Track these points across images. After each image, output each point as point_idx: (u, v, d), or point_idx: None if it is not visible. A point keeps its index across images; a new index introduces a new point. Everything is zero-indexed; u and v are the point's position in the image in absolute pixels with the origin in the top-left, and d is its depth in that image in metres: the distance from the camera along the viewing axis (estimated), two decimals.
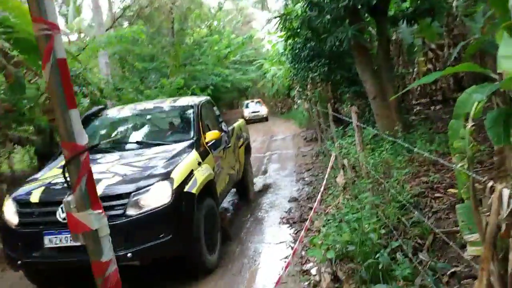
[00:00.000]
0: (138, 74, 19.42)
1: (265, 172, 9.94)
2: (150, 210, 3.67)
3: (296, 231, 5.56)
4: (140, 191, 3.73)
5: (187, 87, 17.53)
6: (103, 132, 5.74)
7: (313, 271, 4.22)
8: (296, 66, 10.90)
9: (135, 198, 3.69)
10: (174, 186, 3.86)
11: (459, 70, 4.78)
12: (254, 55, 29.83)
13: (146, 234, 3.68)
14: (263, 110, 26.40)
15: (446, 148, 6.00)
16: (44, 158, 10.72)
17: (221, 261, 4.91)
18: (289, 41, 10.37)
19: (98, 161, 4.38)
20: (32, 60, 7.53)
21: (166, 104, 6.09)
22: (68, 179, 1.23)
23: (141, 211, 3.66)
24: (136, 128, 5.73)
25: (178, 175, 3.97)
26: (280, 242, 5.26)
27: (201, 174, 4.38)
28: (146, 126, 5.85)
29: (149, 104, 6.32)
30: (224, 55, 22.89)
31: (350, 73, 9.64)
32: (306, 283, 4.03)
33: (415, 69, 12.23)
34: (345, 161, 5.17)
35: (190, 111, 5.51)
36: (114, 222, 3.45)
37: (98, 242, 1.27)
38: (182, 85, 16.67)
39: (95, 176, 3.65)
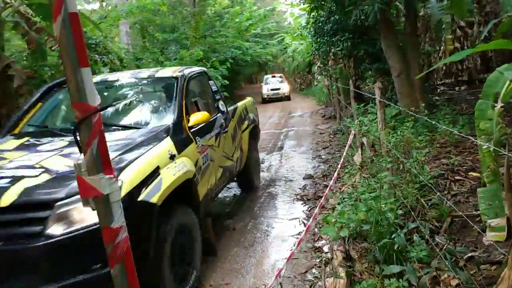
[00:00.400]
0: (159, 45, 19.34)
1: (281, 148, 9.90)
2: (81, 229, 2.42)
3: (309, 208, 5.54)
4: (69, 199, 2.44)
5: (206, 59, 17.42)
6: (64, 107, 4.45)
7: (325, 249, 4.22)
8: (319, 40, 10.62)
9: (60, 211, 2.42)
10: (122, 193, 2.50)
11: (492, 47, 4.56)
12: (276, 28, 29.25)
13: (74, 263, 2.43)
14: (284, 88, 23.56)
15: (469, 130, 5.82)
16: None
17: (234, 234, 4.94)
18: (313, 13, 10.08)
19: (39, 147, 3.29)
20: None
21: (144, 75, 4.80)
22: (78, 141, 1.19)
23: (68, 230, 2.40)
24: (101, 105, 4.51)
25: (130, 176, 2.71)
26: (293, 218, 5.26)
27: (172, 174, 3.15)
28: (115, 103, 4.37)
29: (124, 75, 5.03)
30: (245, 27, 22.51)
31: (374, 48, 9.34)
32: (318, 260, 4.03)
33: (442, 47, 11.79)
34: (364, 140, 5.06)
35: (173, 85, 4.28)
36: (28, 245, 2.35)
37: (109, 207, 1.24)
38: (201, 56, 16.56)
39: (17, 172, 2.70)
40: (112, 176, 1.23)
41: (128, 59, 12.14)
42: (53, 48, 7.75)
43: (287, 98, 23.22)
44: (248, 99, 6.73)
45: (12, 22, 7.07)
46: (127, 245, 1.27)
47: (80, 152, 1.21)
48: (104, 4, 18.92)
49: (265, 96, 23.36)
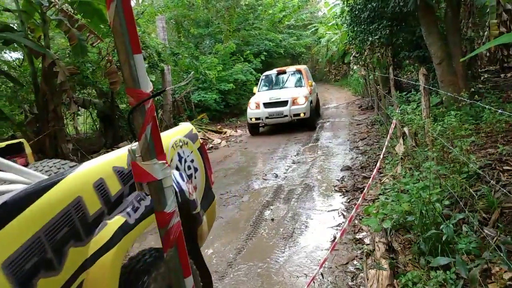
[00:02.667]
0: (193, 39, 19.58)
1: (316, 140, 9.80)
2: None
3: (348, 200, 5.46)
4: None
5: (239, 52, 17.46)
6: None
7: (366, 240, 4.14)
8: (355, 29, 10.37)
9: None
10: None
11: None
12: (310, 19, 28.86)
13: None
14: (301, 98, 11.07)
15: None
16: (105, 121, 11.30)
17: (273, 225, 4.96)
18: (349, 2, 9.85)
19: None
20: (95, 24, 7.79)
21: None
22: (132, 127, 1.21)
23: None
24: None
25: None
26: (332, 210, 5.20)
27: None
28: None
29: None
30: (278, 19, 22.37)
31: (413, 36, 9.02)
32: (359, 251, 3.97)
33: (486, 33, 11.19)
34: (406, 129, 4.90)
35: None
36: None
37: (163, 192, 1.26)
38: (234, 49, 16.61)
39: None
40: (165, 161, 1.25)
41: (165, 54, 12.34)
42: (94, 44, 8.02)
43: (308, 122, 11.14)
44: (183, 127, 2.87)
45: (56, 20, 7.35)
46: (179, 230, 1.29)
47: (134, 138, 1.24)
48: (140, 0, 19.31)
49: (254, 120, 11.41)
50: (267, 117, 11.11)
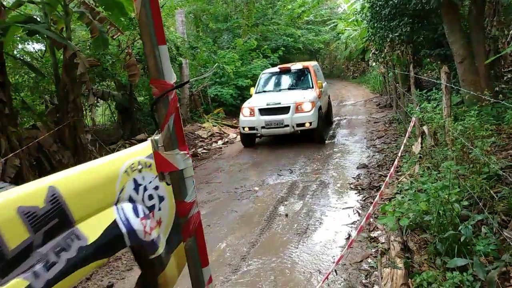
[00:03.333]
0: (212, 34, 19.63)
1: (333, 137, 9.74)
2: None
3: (364, 198, 5.43)
4: None
5: (258, 48, 17.43)
6: None
7: (382, 239, 4.12)
8: (375, 25, 10.21)
9: None
10: None
11: None
12: (329, 14, 28.60)
13: None
14: (307, 105, 8.89)
15: None
16: (123, 113, 11.46)
17: (287, 219, 4.96)
18: None
19: None
20: (115, 16, 7.88)
21: None
22: (156, 117, 1.24)
23: None
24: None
25: None
26: (348, 207, 5.18)
27: None
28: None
29: None
30: (297, 14, 22.23)
31: (435, 33, 8.85)
32: (374, 250, 3.95)
33: (511, 32, 10.93)
34: (425, 128, 4.83)
35: None
36: None
37: (184, 182, 1.29)
38: (255, 45, 16.57)
39: None
40: (186, 152, 1.27)
41: (184, 48, 12.41)
42: (114, 37, 8.11)
43: (314, 135, 9.12)
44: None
45: (78, 12, 7.45)
46: (199, 220, 1.31)
47: (157, 128, 1.26)
48: None
49: (247, 130, 9.37)
50: (263, 127, 8.93)
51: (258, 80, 11.07)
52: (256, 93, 10.41)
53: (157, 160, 1.26)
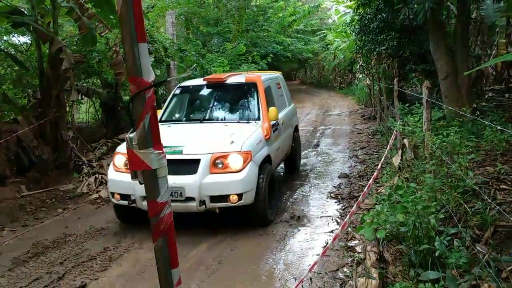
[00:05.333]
0: (202, 37, 19.60)
1: (317, 145, 9.80)
2: None
3: (344, 207, 5.47)
4: None
5: (247, 53, 17.48)
6: None
7: (358, 249, 4.15)
8: (363, 38, 10.37)
9: None
10: None
11: None
12: (319, 25, 28.89)
13: None
14: (235, 158, 4.67)
15: None
16: (108, 111, 11.32)
17: (266, 227, 4.95)
18: (359, 10, 9.87)
19: None
20: (104, 14, 7.81)
21: None
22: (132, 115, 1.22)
23: None
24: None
25: None
26: (327, 216, 5.21)
27: None
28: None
29: None
30: (288, 23, 22.39)
31: (421, 49, 9.02)
32: (350, 259, 3.98)
33: (494, 52, 11.22)
34: (406, 141, 4.92)
35: None
36: None
37: (156, 182, 1.28)
38: (244, 51, 16.61)
39: None
40: (161, 151, 1.26)
41: (172, 49, 12.35)
42: (102, 34, 8.04)
43: (252, 215, 4.90)
44: None
45: (66, 7, 7.37)
46: (170, 220, 1.31)
47: (132, 126, 1.25)
48: None
49: (118, 199, 4.88)
50: (144, 197, 3.46)
51: (168, 99, 6.68)
52: (160, 121, 5.48)
53: (131, 158, 1.25)
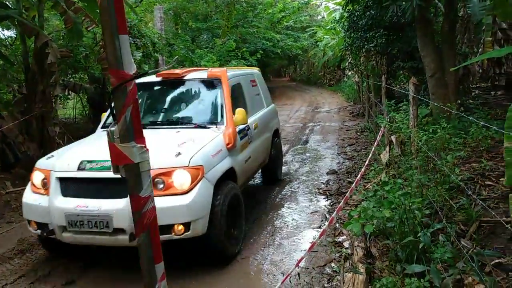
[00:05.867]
0: (191, 32, 19.48)
1: (306, 142, 9.82)
2: None
3: (332, 203, 5.50)
4: None
5: (237, 49, 17.43)
6: None
7: (346, 244, 4.18)
8: (352, 35, 10.42)
9: None
10: None
11: None
12: (308, 21, 28.92)
13: None
14: (181, 175, 3.54)
15: (503, 136, 5.60)
16: (95, 107, 11.19)
17: (256, 223, 4.96)
18: (348, 7, 9.90)
19: None
20: (91, 8, 7.69)
21: None
22: (113, 108, 1.20)
23: None
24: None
25: None
26: (315, 212, 5.24)
27: None
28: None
29: None
30: (277, 19, 22.38)
31: (409, 47, 9.10)
32: (337, 254, 4.00)
33: (480, 50, 11.36)
34: (393, 138, 4.95)
35: None
36: None
37: (139, 176, 1.26)
38: (233, 47, 16.56)
39: None
40: (143, 145, 1.25)
41: (160, 44, 12.26)
42: (89, 29, 7.93)
43: (206, 248, 3.83)
44: None
45: (52, 1, 7.25)
46: (153, 215, 1.29)
47: (114, 119, 1.23)
48: None
49: (34, 227, 3.81)
50: (64, 227, 3.53)
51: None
52: (102, 127, 5.13)
53: (112, 152, 1.23)
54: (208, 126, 4.52)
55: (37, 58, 7.21)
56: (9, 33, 10.73)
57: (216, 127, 4.47)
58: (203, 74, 5.20)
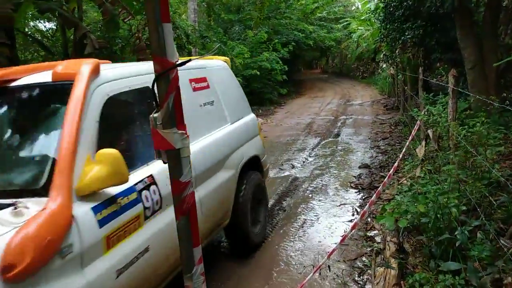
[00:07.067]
0: (223, 24, 19.54)
1: (337, 135, 9.71)
2: None
3: (363, 197, 5.43)
4: None
5: (269, 41, 17.37)
6: None
7: (377, 239, 4.13)
8: (388, 26, 10.12)
9: None
10: None
11: None
12: (342, 12, 28.35)
13: None
14: None
15: None
16: None
17: (285, 213, 4.97)
18: None
19: None
20: (128, 0, 7.86)
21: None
22: (156, 95, 1.23)
23: None
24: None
25: None
26: (346, 205, 5.19)
27: None
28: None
29: None
30: (310, 10, 22.07)
31: (447, 38, 8.75)
32: (369, 249, 3.96)
33: None
34: (430, 131, 4.81)
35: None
36: None
37: (179, 162, 1.29)
38: (265, 38, 16.49)
39: None
40: (184, 132, 1.27)
41: (194, 36, 12.37)
42: (125, 21, 8.10)
43: None
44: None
45: None
46: (193, 200, 1.32)
47: (157, 106, 1.26)
48: None
49: None
50: None
51: None
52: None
53: (155, 138, 1.26)
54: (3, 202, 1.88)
55: (76, 49, 7.44)
56: (50, 25, 11.13)
57: (24, 205, 1.84)
58: (44, 76, 2.52)
